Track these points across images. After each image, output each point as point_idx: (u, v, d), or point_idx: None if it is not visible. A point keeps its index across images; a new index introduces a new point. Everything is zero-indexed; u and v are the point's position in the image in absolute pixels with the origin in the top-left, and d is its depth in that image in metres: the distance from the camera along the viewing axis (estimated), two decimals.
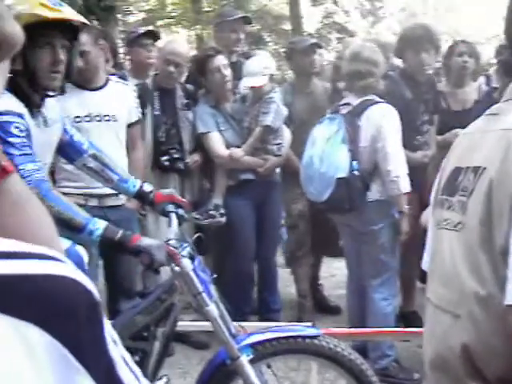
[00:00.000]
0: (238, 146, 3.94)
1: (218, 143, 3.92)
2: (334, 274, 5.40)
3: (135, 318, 2.42)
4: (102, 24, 9.46)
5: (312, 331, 2.61)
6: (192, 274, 2.31)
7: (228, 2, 14.47)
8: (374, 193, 3.60)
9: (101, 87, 3.47)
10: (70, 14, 2.31)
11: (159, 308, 2.41)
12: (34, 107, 2.35)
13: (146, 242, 2.22)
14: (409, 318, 4.15)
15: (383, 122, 3.54)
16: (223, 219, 3.80)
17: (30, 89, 2.31)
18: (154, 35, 4.18)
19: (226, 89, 3.95)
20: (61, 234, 2.35)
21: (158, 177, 3.75)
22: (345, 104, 3.72)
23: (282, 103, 4.10)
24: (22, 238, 0.61)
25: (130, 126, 3.57)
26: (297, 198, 4.37)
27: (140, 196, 2.71)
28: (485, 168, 1.17)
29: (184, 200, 2.73)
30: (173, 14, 16.85)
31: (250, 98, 3.98)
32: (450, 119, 4.18)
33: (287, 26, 15.37)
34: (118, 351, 0.54)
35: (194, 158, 4.00)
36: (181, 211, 2.63)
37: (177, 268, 2.30)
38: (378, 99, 3.64)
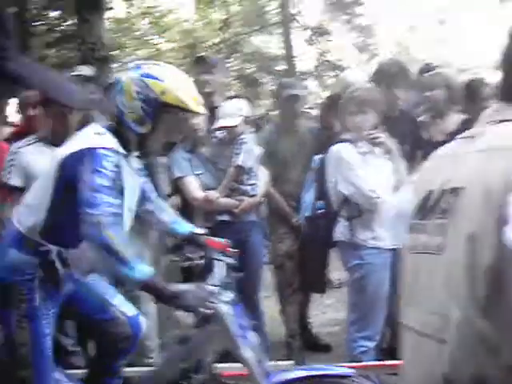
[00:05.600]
0: (216, 189, 3.96)
1: (193, 187, 3.95)
2: (324, 311, 5.38)
3: (174, 365, 2.51)
4: (98, 74, 9.63)
5: (345, 370, 2.63)
6: (229, 319, 2.39)
7: (222, 46, 14.69)
8: (337, 233, 3.59)
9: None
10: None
11: (197, 354, 2.49)
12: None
13: (181, 287, 2.30)
14: (397, 351, 4.12)
15: (337, 159, 3.52)
16: (202, 261, 3.82)
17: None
18: None
19: (196, 136, 3.98)
20: (108, 266, 2.33)
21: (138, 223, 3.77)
22: None
23: (267, 142, 4.13)
24: None
25: None
26: (282, 238, 4.39)
27: (191, 238, 2.84)
28: (465, 188, 1.17)
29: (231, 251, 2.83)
30: (170, 61, 17.14)
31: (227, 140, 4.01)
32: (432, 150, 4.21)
33: (285, 66, 15.53)
34: None
35: (173, 202, 4.02)
36: (229, 260, 2.74)
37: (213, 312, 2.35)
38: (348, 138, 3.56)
